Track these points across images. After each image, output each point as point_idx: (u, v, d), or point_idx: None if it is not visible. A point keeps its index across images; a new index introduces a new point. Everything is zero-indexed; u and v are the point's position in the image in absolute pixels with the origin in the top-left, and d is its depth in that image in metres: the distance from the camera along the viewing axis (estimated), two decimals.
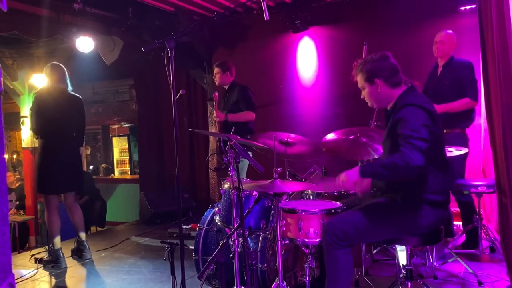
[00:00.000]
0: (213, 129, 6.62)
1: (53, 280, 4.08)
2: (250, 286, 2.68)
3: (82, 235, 4.59)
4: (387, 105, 2.58)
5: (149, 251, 4.92)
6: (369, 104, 2.64)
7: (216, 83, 4.87)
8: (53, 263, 4.34)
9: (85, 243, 4.57)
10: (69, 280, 4.07)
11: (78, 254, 4.58)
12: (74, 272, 4.26)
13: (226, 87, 4.82)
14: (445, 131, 3.27)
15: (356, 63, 2.61)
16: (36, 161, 4.49)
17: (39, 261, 4.46)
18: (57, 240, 4.39)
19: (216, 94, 4.61)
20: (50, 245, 4.45)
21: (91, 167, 11.36)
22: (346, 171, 2.44)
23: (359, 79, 2.59)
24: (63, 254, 4.39)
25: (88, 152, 11.83)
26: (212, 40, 6.77)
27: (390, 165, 2.29)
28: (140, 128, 8.00)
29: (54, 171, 4.32)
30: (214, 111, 4.73)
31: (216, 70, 4.82)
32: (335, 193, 3.23)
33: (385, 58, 2.54)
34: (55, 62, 4.51)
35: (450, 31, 4.16)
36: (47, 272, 4.25)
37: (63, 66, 4.49)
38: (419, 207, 2.41)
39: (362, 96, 2.63)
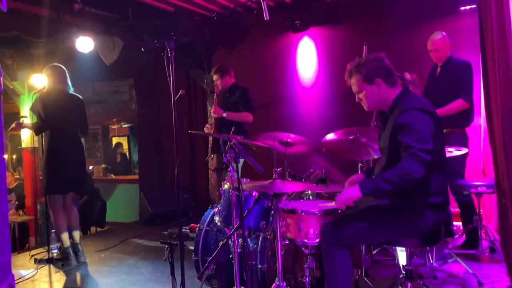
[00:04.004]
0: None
1: (53, 281, 4.08)
2: (250, 287, 2.68)
3: (76, 234, 4.55)
4: (384, 106, 2.55)
5: (149, 251, 4.92)
6: (365, 107, 2.59)
7: (220, 88, 4.74)
8: (63, 261, 4.38)
9: (79, 246, 4.52)
10: (68, 280, 4.07)
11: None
12: (74, 273, 4.25)
13: (227, 89, 4.79)
14: (444, 131, 3.26)
15: (349, 67, 2.55)
16: (42, 163, 4.53)
17: (39, 261, 4.46)
18: (65, 237, 4.42)
19: (219, 88, 4.60)
20: (59, 244, 4.49)
21: (90, 167, 11.33)
22: (344, 192, 2.42)
23: (355, 82, 2.52)
24: (72, 252, 4.42)
25: None
26: (212, 40, 6.76)
27: (394, 179, 2.26)
28: (140, 128, 7.99)
29: (59, 171, 4.35)
30: (213, 106, 4.65)
31: (214, 77, 4.73)
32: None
33: (381, 59, 2.51)
34: (55, 64, 4.51)
35: (440, 35, 4.09)
36: (47, 273, 4.25)
37: (63, 67, 4.48)
38: (419, 211, 2.38)
39: (357, 100, 2.58)
